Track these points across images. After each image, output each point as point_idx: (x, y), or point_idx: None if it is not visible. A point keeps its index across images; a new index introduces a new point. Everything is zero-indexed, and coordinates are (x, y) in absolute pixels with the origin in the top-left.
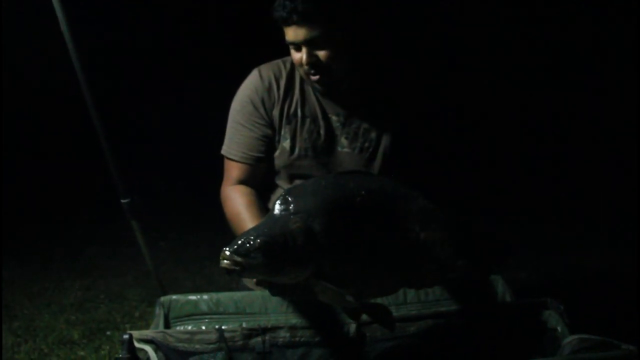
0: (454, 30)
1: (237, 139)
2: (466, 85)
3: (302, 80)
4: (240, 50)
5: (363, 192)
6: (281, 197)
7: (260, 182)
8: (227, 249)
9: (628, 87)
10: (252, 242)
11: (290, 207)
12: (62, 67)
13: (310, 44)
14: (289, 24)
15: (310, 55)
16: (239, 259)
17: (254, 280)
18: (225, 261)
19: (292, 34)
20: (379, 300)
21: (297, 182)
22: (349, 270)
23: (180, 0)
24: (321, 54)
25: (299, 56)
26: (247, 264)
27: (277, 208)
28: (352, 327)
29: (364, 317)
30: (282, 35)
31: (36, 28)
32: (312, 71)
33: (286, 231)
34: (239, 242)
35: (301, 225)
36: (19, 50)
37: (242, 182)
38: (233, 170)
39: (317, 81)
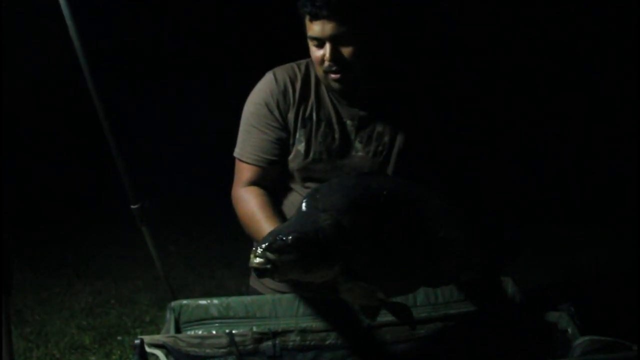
0: (454, 30)
1: (250, 142)
2: (466, 85)
3: (317, 84)
4: (242, 51)
5: (385, 192)
6: (308, 196)
7: (272, 185)
8: (259, 246)
9: (629, 86)
10: (285, 239)
11: (319, 205)
12: (73, 68)
13: (335, 40)
14: (317, 18)
15: (334, 51)
16: (272, 256)
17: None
18: (257, 259)
19: (319, 29)
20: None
21: (311, 185)
22: (376, 268)
23: (182, 1)
24: (345, 51)
25: (321, 53)
26: (281, 262)
27: (305, 206)
28: (363, 330)
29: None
30: (303, 30)
31: (37, 28)
32: (334, 69)
33: (318, 228)
34: (271, 239)
35: (332, 222)
36: (20, 51)
37: (254, 184)
38: (245, 173)
39: (337, 80)
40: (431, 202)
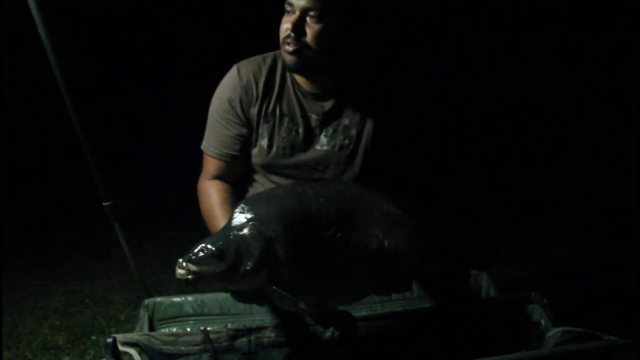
0: (453, 27)
1: (214, 136)
2: (462, 81)
3: (282, 78)
4: (229, 50)
5: (321, 200)
6: (239, 207)
7: (236, 178)
8: (182, 258)
9: (627, 83)
10: (205, 251)
11: (246, 216)
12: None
13: (305, 11)
14: None
15: (299, 22)
16: (193, 267)
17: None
18: (180, 270)
19: None
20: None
21: (275, 178)
22: (305, 277)
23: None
24: (312, 27)
25: (287, 23)
26: (202, 272)
27: (234, 217)
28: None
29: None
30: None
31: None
32: (292, 37)
33: (239, 239)
34: (194, 251)
35: (254, 232)
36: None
37: (218, 177)
38: (210, 166)
39: (291, 52)
40: (376, 209)
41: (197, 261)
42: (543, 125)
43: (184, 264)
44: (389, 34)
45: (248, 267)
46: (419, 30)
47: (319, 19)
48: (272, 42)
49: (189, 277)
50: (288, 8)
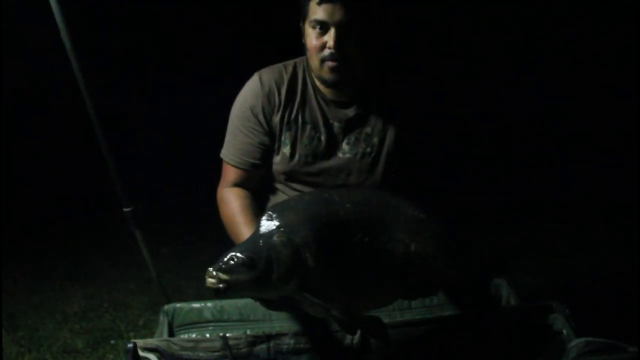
0: (451, 27)
1: (234, 144)
2: (466, 88)
3: (304, 85)
4: (240, 52)
5: (348, 206)
6: (266, 214)
7: (256, 185)
8: (212, 267)
9: (628, 85)
10: (236, 259)
11: (274, 223)
12: (64, 70)
13: (342, 26)
14: (327, 1)
15: (338, 38)
16: (224, 276)
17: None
18: (211, 280)
19: (327, 12)
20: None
21: (297, 186)
22: (335, 283)
23: (178, 2)
24: (349, 39)
25: (322, 40)
26: (233, 281)
27: (262, 224)
28: (357, 333)
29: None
30: (297, 19)
31: (36, 29)
32: (335, 56)
33: (269, 246)
34: (224, 259)
35: (284, 239)
36: (18, 51)
37: (238, 185)
38: (230, 174)
39: (334, 68)
40: (402, 214)
41: (228, 270)
42: (543, 127)
43: (215, 273)
44: (393, 36)
45: (279, 275)
46: (418, 31)
47: (354, 30)
48: (273, 43)
49: (220, 286)
50: (317, 27)
